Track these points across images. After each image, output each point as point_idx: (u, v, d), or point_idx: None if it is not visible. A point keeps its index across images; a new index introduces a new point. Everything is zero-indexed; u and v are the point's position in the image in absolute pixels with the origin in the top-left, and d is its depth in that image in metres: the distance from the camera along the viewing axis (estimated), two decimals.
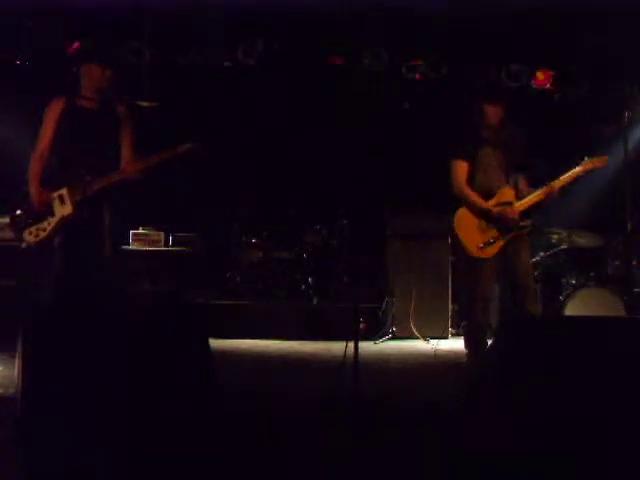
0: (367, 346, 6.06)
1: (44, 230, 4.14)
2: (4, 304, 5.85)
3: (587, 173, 4.56)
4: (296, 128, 8.51)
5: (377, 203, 7.43)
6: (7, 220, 6.61)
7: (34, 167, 4.25)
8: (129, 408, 2.53)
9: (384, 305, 6.89)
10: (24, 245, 4.22)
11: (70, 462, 2.34)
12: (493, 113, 4.57)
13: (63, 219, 4.13)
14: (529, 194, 4.57)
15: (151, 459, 2.50)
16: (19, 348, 2.52)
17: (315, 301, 7.46)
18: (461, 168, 4.59)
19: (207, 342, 2.82)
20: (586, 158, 4.54)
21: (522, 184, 4.66)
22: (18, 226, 4.23)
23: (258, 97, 8.71)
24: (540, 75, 8.14)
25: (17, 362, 2.56)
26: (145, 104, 8.54)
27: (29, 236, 4.17)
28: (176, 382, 2.65)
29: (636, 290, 5.85)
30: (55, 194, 4.15)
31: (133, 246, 7.10)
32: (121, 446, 2.46)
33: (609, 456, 2.57)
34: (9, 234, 6.59)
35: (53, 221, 4.13)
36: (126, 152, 4.29)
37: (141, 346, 2.67)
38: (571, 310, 5.86)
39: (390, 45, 8.09)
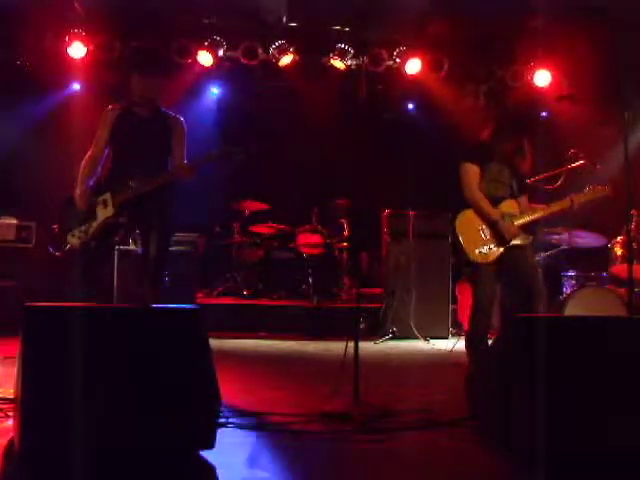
0: (368, 346, 6.06)
1: (86, 233, 4.19)
2: (4, 304, 5.86)
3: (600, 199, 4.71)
4: (296, 128, 8.51)
5: (377, 203, 7.43)
6: (8, 221, 6.67)
7: (83, 170, 4.26)
8: (127, 408, 2.53)
9: (384, 305, 6.89)
10: (67, 247, 4.24)
11: (70, 463, 2.34)
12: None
13: (104, 222, 4.17)
14: (531, 210, 4.67)
15: (148, 460, 2.50)
16: (19, 348, 2.52)
17: (315, 301, 7.46)
18: (473, 171, 4.60)
19: (207, 342, 2.82)
20: (588, 187, 4.72)
21: (523, 201, 4.73)
22: (63, 229, 4.27)
23: (257, 95, 8.73)
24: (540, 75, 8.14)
25: (17, 362, 2.56)
26: None
27: (72, 238, 4.21)
28: (175, 382, 2.65)
29: (636, 290, 5.84)
30: (100, 198, 4.19)
31: (133, 246, 7.09)
32: (119, 446, 2.47)
33: (609, 453, 2.57)
34: (10, 234, 6.63)
35: (95, 224, 4.18)
36: (177, 160, 4.27)
37: (141, 347, 2.67)
38: (571, 310, 5.85)
39: (391, 44, 8.10)
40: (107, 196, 4.18)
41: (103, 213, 4.18)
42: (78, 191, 4.22)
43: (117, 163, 4.28)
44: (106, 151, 4.30)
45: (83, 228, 4.20)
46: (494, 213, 4.55)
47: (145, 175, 4.13)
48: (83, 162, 4.28)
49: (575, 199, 4.66)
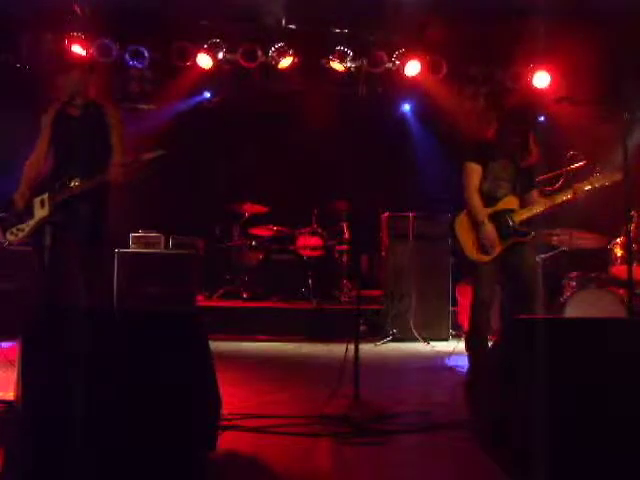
0: (368, 348, 6.06)
1: (22, 230, 4.38)
2: (4, 306, 5.86)
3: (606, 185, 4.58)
4: (296, 129, 8.52)
5: (377, 205, 7.43)
6: None
7: (26, 172, 4.43)
8: (128, 411, 2.53)
9: (384, 307, 6.88)
10: (5, 244, 4.48)
11: (68, 463, 2.34)
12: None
13: (40, 221, 4.33)
14: (537, 204, 4.60)
15: (149, 462, 2.50)
16: (19, 350, 2.52)
17: (315, 303, 7.46)
18: (474, 171, 4.58)
19: (208, 345, 2.82)
20: (592, 175, 4.59)
21: (535, 193, 4.69)
22: (3, 226, 4.48)
23: (257, 98, 8.73)
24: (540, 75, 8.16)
25: (17, 364, 2.55)
26: (145, 107, 8.56)
27: (10, 236, 4.44)
28: (176, 385, 2.65)
29: (637, 291, 5.83)
30: (37, 198, 4.36)
31: (133, 248, 7.10)
32: (120, 447, 2.46)
33: (609, 454, 2.57)
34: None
35: (32, 223, 4.36)
36: (115, 154, 4.35)
37: (141, 349, 2.67)
38: (572, 311, 5.85)
39: (390, 46, 8.11)
40: (45, 196, 4.34)
41: (40, 213, 4.35)
42: (19, 191, 4.38)
43: (56, 164, 4.42)
44: (48, 153, 4.43)
45: (21, 226, 4.39)
46: (481, 215, 4.52)
47: (84, 173, 4.26)
48: (27, 164, 4.44)
49: (578, 188, 4.55)
